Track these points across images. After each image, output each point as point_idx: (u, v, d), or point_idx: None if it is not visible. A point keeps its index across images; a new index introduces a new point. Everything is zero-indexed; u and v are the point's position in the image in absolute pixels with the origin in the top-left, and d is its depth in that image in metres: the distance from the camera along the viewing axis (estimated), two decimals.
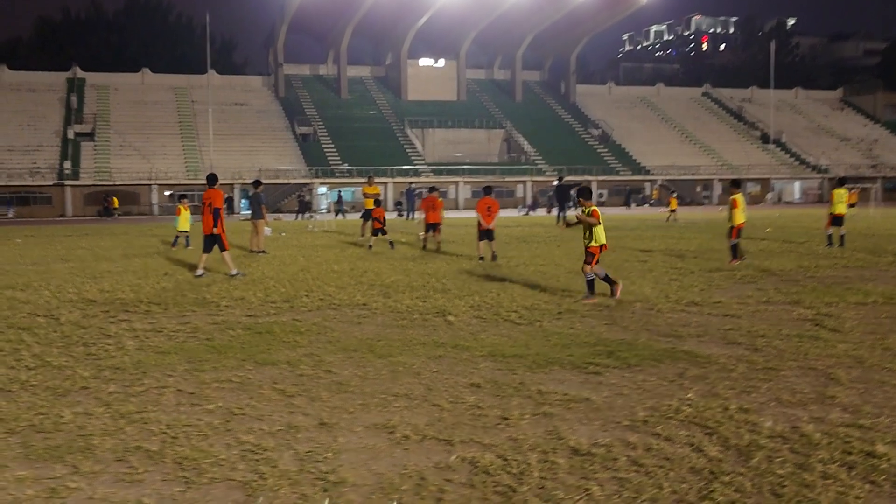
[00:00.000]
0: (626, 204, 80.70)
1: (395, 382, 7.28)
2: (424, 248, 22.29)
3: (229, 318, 10.90)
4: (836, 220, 21.37)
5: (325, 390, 7.00)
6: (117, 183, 71.49)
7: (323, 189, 74.24)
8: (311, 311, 11.44)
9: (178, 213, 25.07)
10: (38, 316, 11.15)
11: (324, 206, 68.13)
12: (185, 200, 25.20)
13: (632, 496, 4.63)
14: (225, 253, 15.80)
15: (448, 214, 30.20)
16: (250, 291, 13.43)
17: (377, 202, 26.94)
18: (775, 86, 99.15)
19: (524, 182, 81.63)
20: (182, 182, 71.70)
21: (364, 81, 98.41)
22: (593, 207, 12.56)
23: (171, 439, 5.69)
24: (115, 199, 67.38)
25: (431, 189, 24.00)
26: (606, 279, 12.50)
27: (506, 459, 5.23)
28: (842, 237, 21.38)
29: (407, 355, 8.41)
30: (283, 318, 10.86)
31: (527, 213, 63.47)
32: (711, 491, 4.68)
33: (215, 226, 15.48)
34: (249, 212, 24.43)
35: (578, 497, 4.62)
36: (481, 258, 18.89)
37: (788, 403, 6.53)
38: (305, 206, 59.70)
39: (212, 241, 15.62)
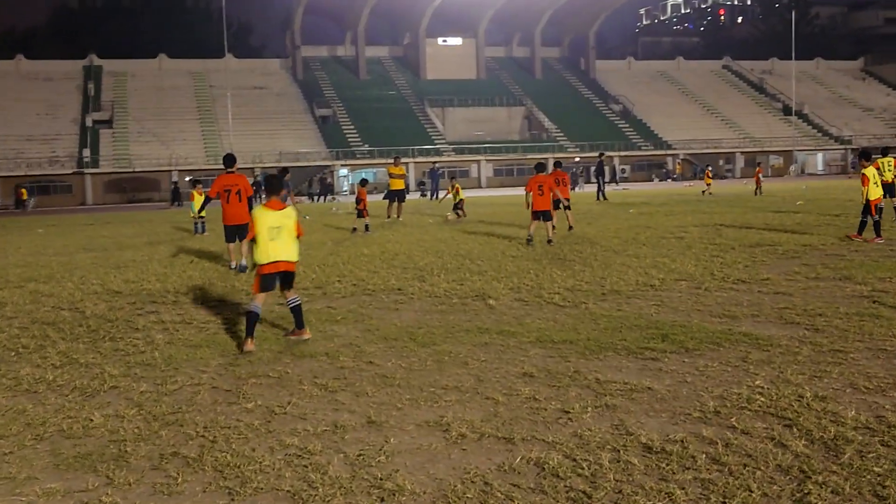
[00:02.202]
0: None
1: (443, 374, 6.86)
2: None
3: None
4: (888, 189, 20.40)
5: (369, 384, 6.59)
6: (137, 170, 71.43)
7: (344, 171, 73.86)
8: (345, 298, 11.03)
9: (191, 198, 24.93)
10: (63, 309, 10.80)
11: (345, 187, 67.78)
12: (200, 186, 25.08)
13: (719, 500, 4.19)
14: (245, 242, 14.27)
15: (470, 193, 29.78)
16: None
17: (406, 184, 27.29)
18: (796, 57, 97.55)
19: (546, 159, 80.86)
20: (202, 167, 71.52)
21: (382, 62, 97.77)
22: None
23: (209, 443, 5.29)
24: (24, 191, 65.64)
25: (556, 164, 21.80)
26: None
27: (574, 460, 4.80)
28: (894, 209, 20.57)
29: (451, 343, 7.99)
30: (316, 305, 10.45)
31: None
32: (807, 493, 4.23)
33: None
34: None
35: (661, 503, 4.18)
36: (529, 240, 17.15)
37: (866, 390, 6.06)
38: (327, 189, 59.32)
39: (237, 230, 13.67)
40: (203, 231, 24.10)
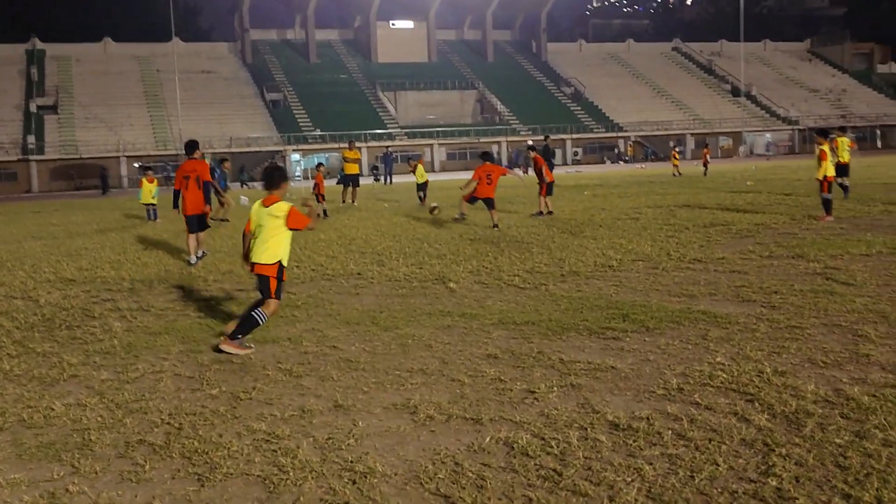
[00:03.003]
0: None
1: (407, 357, 6.87)
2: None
3: (219, 293, 10.41)
4: (842, 170, 20.79)
5: (333, 368, 6.57)
6: (84, 156, 70.08)
7: (296, 156, 73.26)
8: (304, 283, 10.98)
9: (140, 185, 24.73)
10: (16, 298, 10.59)
11: (297, 172, 67.21)
12: (150, 172, 25.00)
13: (687, 475, 4.26)
14: (202, 233, 13.56)
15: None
16: (238, 264, 12.92)
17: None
18: (744, 39, 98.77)
19: (499, 142, 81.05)
20: (151, 153, 70.53)
21: (333, 45, 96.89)
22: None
23: (175, 430, 5.24)
24: None
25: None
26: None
27: (543, 439, 4.84)
28: (846, 187, 20.95)
29: (413, 326, 7.99)
30: None
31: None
32: (772, 466, 4.32)
33: (208, 203, 13.36)
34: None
35: (631, 479, 4.24)
36: (461, 216, 18.50)
37: (823, 364, 6.19)
38: None
39: (198, 220, 13.26)
40: (155, 218, 23.79)
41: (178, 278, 11.78)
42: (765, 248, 12.47)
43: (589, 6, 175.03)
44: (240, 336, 7.15)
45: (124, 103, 78.31)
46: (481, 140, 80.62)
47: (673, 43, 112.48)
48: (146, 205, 24.17)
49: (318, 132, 77.01)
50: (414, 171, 27.43)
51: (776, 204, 19.98)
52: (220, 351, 7.10)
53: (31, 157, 68.90)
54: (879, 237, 13.00)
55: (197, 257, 13.46)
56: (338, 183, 28.73)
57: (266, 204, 7.32)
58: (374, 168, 62.99)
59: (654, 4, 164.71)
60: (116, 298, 10.30)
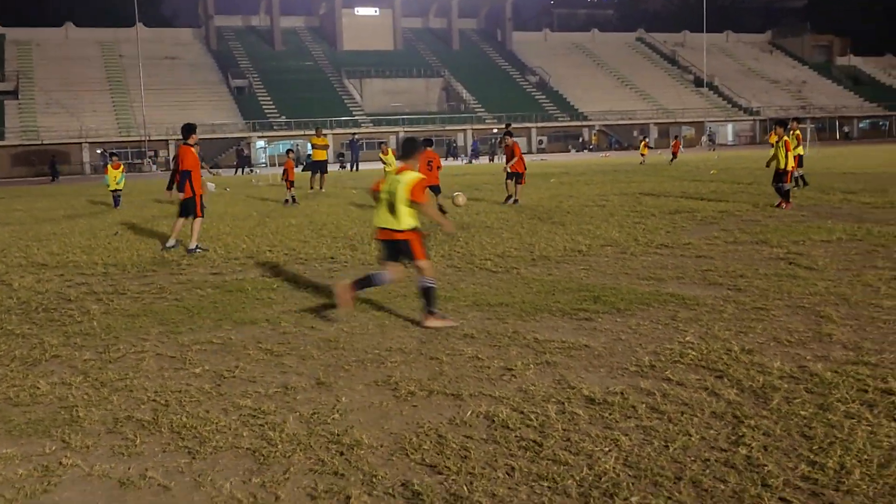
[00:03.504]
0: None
1: (385, 337, 7.01)
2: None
3: (194, 276, 10.48)
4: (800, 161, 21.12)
5: (313, 348, 6.70)
6: (46, 142, 69.16)
7: (261, 143, 72.86)
8: (278, 267, 11.06)
9: (105, 171, 24.74)
10: None
11: (263, 159, 66.84)
12: (115, 158, 25.11)
13: (662, 445, 4.45)
14: (197, 220, 13.06)
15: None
16: (210, 248, 12.97)
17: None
18: (707, 30, 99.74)
19: (465, 130, 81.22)
20: (114, 139, 69.76)
21: (298, 32, 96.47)
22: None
23: (162, 407, 5.34)
24: None
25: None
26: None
27: (522, 412, 5.01)
28: (803, 177, 21.41)
29: (390, 308, 8.13)
30: (250, 274, 10.47)
31: (469, 162, 63.22)
32: (742, 436, 4.53)
33: (182, 189, 13.02)
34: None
35: (608, 448, 4.42)
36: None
37: (788, 343, 6.43)
38: (245, 161, 58.44)
39: (187, 205, 13.02)
40: (117, 205, 23.59)
41: (150, 262, 11.81)
42: (729, 234, 12.77)
43: None
44: (433, 310, 7.38)
45: (86, 89, 77.33)
46: (447, 128, 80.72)
47: (637, 33, 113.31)
48: (112, 191, 24.01)
49: (284, 119, 76.67)
50: (384, 157, 25.56)
51: (739, 192, 20.35)
52: (428, 328, 7.27)
53: None
54: (839, 224, 13.35)
55: (176, 242, 13.22)
56: (304, 170, 28.55)
57: (398, 172, 7.50)
58: (340, 155, 62.88)
59: None
60: (90, 282, 10.33)
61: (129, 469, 4.37)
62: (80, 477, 4.29)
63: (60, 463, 4.46)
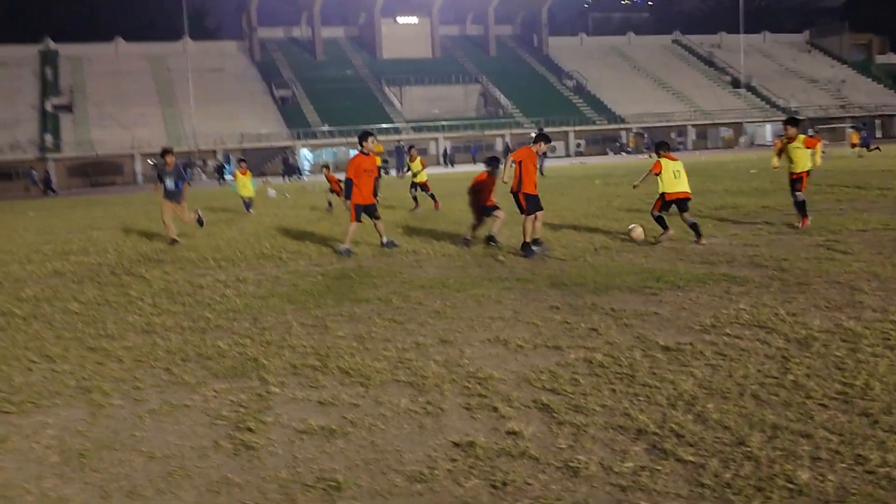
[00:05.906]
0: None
1: (484, 309, 8.38)
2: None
3: (298, 268, 11.93)
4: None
5: (428, 318, 8.08)
6: (100, 154, 71.62)
7: (305, 151, 74.77)
8: (372, 258, 12.48)
9: (234, 177, 25.12)
10: (122, 274, 12.11)
11: (307, 167, 68.67)
12: (244, 164, 24.86)
13: (727, 375, 5.77)
14: (379, 222, 13.67)
15: (429, 170, 29.15)
16: (303, 244, 14.44)
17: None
18: (743, 31, 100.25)
19: (503, 135, 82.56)
20: None
21: (339, 42, 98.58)
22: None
23: (324, 357, 6.75)
24: None
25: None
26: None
27: (613, 357, 6.36)
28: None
29: (481, 289, 9.49)
30: (347, 265, 11.90)
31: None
32: (789, 369, 5.83)
33: (352, 194, 13.27)
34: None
35: (685, 377, 5.75)
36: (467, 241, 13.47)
37: (826, 308, 7.70)
38: (292, 169, 60.20)
39: (368, 209, 13.45)
40: (249, 210, 23.92)
41: (254, 257, 13.27)
42: (772, 226, 14.03)
43: (588, 0, 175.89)
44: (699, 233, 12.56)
45: (136, 102, 79.88)
46: (486, 133, 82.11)
47: (673, 35, 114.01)
48: (244, 197, 24.07)
49: (326, 127, 78.55)
50: (411, 164, 22.33)
51: (779, 190, 21.44)
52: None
53: (49, 156, 70.41)
54: (874, 216, 14.54)
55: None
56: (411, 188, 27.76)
57: (672, 158, 13.09)
58: (384, 161, 64.43)
59: None
60: (211, 273, 11.81)
61: (321, 395, 5.77)
62: (288, 399, 5.71)
63: (268, 392, 5.89)
